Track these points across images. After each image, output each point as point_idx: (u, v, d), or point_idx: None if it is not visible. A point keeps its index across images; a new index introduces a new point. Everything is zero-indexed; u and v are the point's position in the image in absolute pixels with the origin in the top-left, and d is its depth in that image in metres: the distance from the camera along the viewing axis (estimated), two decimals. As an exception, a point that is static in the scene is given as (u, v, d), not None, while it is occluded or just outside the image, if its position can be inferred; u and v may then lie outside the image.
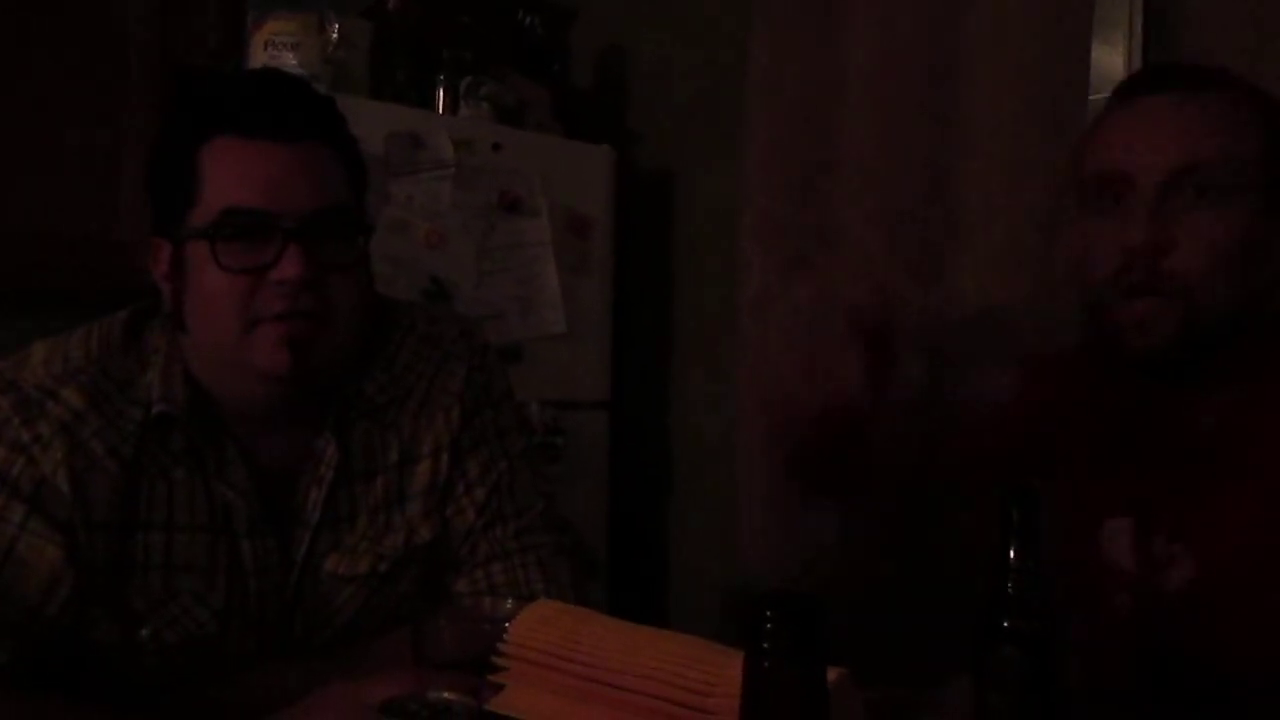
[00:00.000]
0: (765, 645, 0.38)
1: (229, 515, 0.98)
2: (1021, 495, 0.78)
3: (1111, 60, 1.71)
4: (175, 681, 0.94)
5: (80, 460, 0.93)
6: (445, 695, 0.62)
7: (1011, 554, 0.73)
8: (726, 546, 2.02)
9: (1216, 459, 0.96)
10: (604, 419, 2.21)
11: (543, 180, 2.12)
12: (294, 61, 2.00)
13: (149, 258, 0.98)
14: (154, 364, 0.97)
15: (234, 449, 0.98)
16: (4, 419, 0.93)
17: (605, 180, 2.22)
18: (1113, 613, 0.99)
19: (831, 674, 0.48)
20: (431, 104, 2.17)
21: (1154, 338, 0.94)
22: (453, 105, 2.18)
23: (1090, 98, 1.63)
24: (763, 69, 1.96)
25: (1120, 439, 1.04)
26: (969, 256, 1.70)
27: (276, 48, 2.02)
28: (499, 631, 0.67)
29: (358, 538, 1.02)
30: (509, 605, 0.77)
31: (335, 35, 2.03)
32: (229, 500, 0.97)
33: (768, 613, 0.38)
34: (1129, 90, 1.02)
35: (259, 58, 2.01)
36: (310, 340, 0.94)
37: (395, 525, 1.03)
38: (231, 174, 0.92)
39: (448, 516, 1.05)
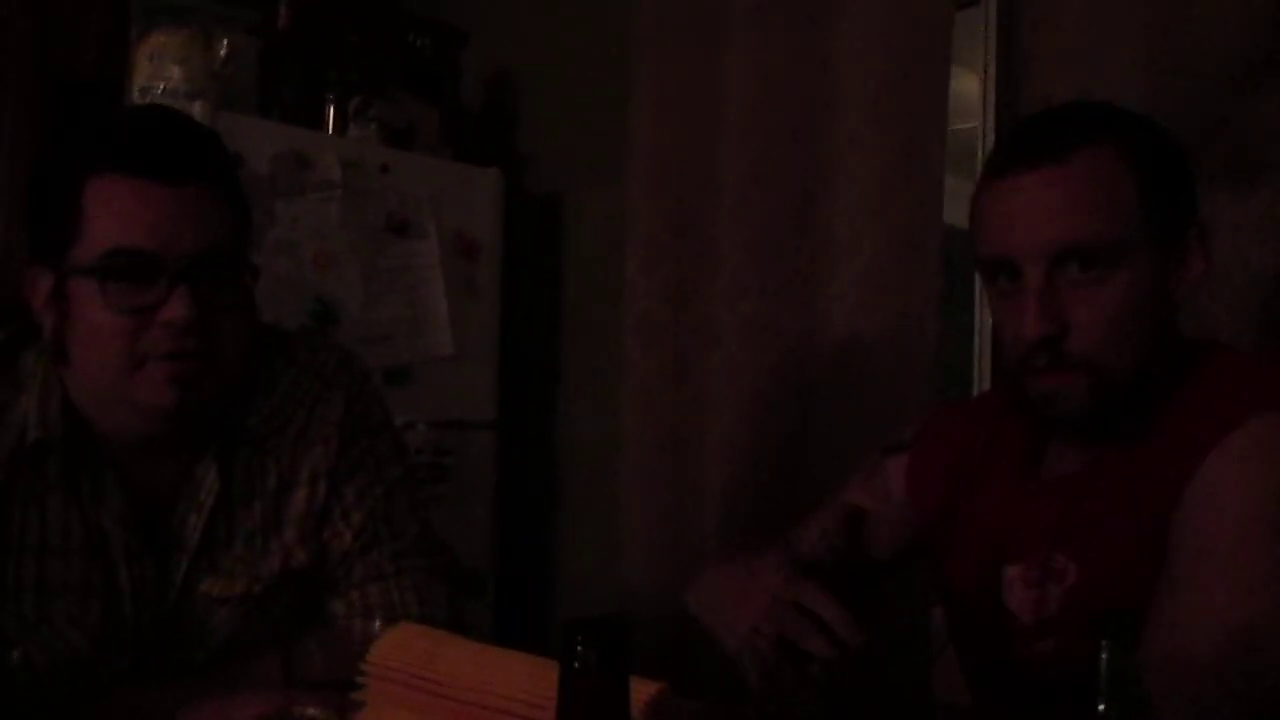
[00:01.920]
0: (574, 664, 0.43)
1: (105, 540, 0.99)
2: (848, 528, 0.83)
3: (969, 87, 1.80)
4: (47, 703, 0.94)
5: None
6: (310, 713, 0.65)
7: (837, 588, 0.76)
8: (612, 563, 2.06)
9: (1105, 485, 1.02)
10: (492, 439, 2.24)
11: (431, 203, 2.15)
12: (179, 76, 1.98)
13: (25, 285, 0.98)
14: (30, 390, 0.98)
15: (111, 476, 1.00)
16: None
17: (494, 203, 2.26)
18: (1010, 653, 1.05)
19: (651, 688, 0.53)
20: (320, 124, 2.17)
21: (1065, 407, 0.99)
22: (341, 125, 2.18)
23: (950, 128, 1.69)
24: (645, 98, 2.03)
25: (1017, 479, 1.10)
26: (836, 284, 1.77)
27: (161, 62, 1.99)
28: (366, 653, 0.70)
29: (233, 561, 1.04)
30: (377, 627, 0.81)
31: (223, 51, 2.02)
32: (105, 527, 0.99)
33: (576, 635, 0.44)
34: (998, 168, 1.03)
35: (143, 71, 1.98)
36: (196, 379, 0.96)
37: (272, 549, 1.06)
38: (118, 213, 0.94)
39: (325, 540, 1.08)
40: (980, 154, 1.77)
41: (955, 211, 1.76)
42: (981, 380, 1.98)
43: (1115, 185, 0.97)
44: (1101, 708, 0.59)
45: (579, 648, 0.43)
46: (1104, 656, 0.58)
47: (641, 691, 0.50)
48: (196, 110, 1.87)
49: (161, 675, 1.00)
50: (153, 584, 1.01)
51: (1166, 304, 1.01)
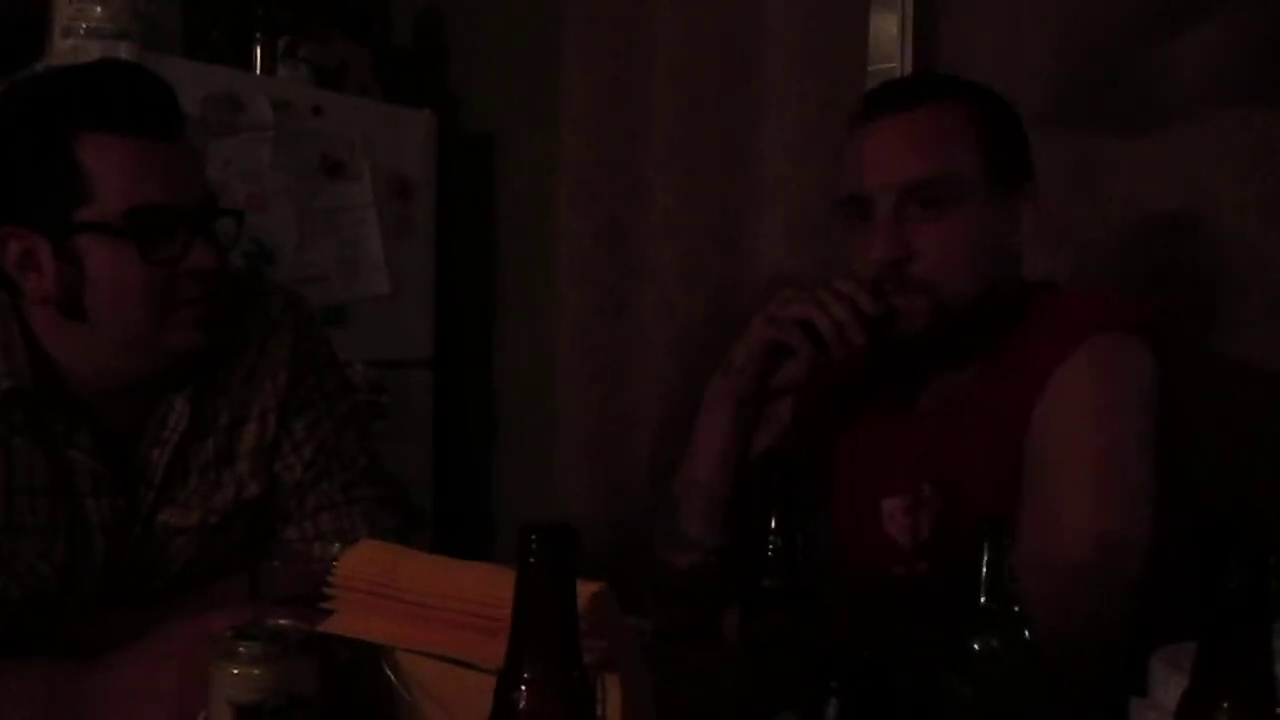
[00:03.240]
0: (529, 560, 0.50)
1: (71, 477, 1.03)
2: (780, 463, 0.89)
3: (888, 30, 1.84)
4: (20, 632, 0.99)
5: None
6: (281, 623, 0.71)
7: (772, 520, 0.83)
8: (548, 497, 2.12)
9: (964, 416, 1.13)
10: (428, 377, 2.28)
11: (364, 143, 2.15)
12: (102, 15, 1.95)
13: None
14: None
15: (80, 417, 1.04)
16: None
17: (427, 144, 2.27)
18: (892, 582, 1.16)
19: (592, 587, 0.61)
20: (249, 64, 2.15)
21: (910, 326, 1.10)
22: (270, 66, 2.17)
23: (868, 69, 1.73)
24: (576, 39, 2.05)
25: (892, 418, 1.21)
26: (764, 225, 1.83)
27: (83, 1, 1.96)
28: (328, 569, 0.76)
29: (189, 493, 1.10)
30: (336, 549, 0.87)
31: (146, -10, 1.99)
32: (74, 463, 1.03)
33: (531, 536, 0.51)
34: (859, 117, 1.15)
35: (64, 10, 1.95)
36: (218, 319, 1.04)
37: (225, 481, 1.11)
38: (129, 172, 0.98)
39: (277, 472, 1.14)
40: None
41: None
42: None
43: (957, 134, 1.11)
44: (982, 600, 0.67)
45: (534, 547, 0.50)
46: (984, 556, 0.66)
47: (585, 589, 0.57)
48: (123, 51, 1.86)
49: (125, 603, 1.05)
50: (119, 516, 1.06)
51: (1003, 247, 1.13)
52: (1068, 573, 0.95)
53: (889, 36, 1.74)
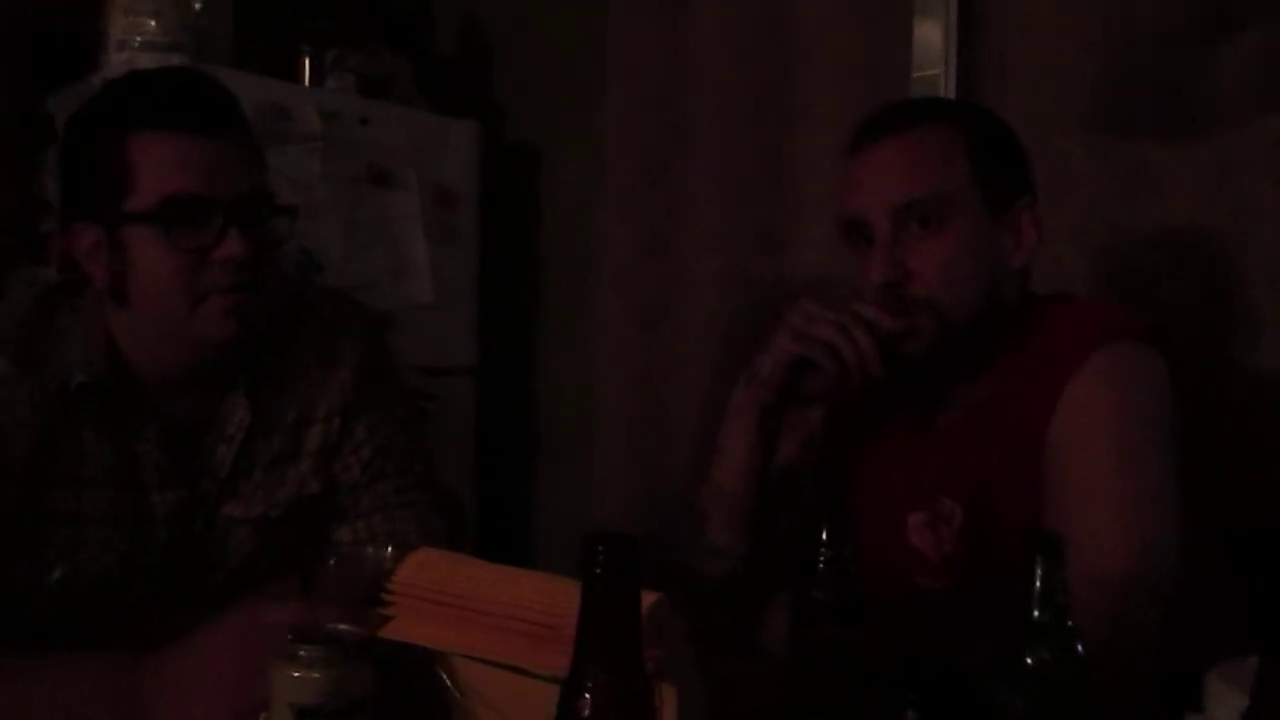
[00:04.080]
0: (595, 570, 0.51)
1: (138, 470, 1.07)
2: (830, 475, 0.90)
3: (932, 37, 1.84)
4: (80, 620, 1.03)
5: (5, 420, 1.01)
6: (341, 627, 0.73)
7: (823, 532, 0.84)
8: (588, 506, 2.13)
9: (980, 430, 1.14)
10: (471, 385, 2.30)
11: (410, 153, 2.18)
12: (155, 29, 1.99)
13: (66, 241, 1.05)
14: (71, 336, 1.06)
15: (148, 411, 1.07)
16: None
17: (471, 154, 2.30)
18: (917, 593, 1.15)
19: (650, 596, 0.62)
20: (296, 75, 2.19)
21: (913, 347, 1.11)
22: (318, 78, 2.21)
23: (912, 75, 1.73)
24: (620, 52, 2.06)
25: (910, 434, 1.21)
26: (807, 232, 1.84)
27: (136, 14, 2.00)
28: (381, 573, 0.78)
29: (253, 487, 1.13)
30: (389, 552, 0.89)
31: (198, 3, 2.03)
32: (141, 456, 1.07)
33: (597, 545, 0.52)
34: (854, 142, 1.17)
35: (118, 24, 1.99)
36: (251, 310, 1.05)
37: (289, 478, 1.15)
38: (169, 164, 1.01)
39: (335, 472, 1.17)
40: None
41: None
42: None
43: (947, 153, 1.12)
44: (1035, 614, 0.67)
45: (600, 556, 0.51)
46: (1036, 569, 0.66)
47: (644, 598, 0.58)
48: (175, 63, 1.90)
49: (183, 596, 1.08)
50: (182, 509, 1.09)
51: (1002, 260, 1.14)
52: (1103, 582, 0.95)
53: (933, 44, 1.74)
